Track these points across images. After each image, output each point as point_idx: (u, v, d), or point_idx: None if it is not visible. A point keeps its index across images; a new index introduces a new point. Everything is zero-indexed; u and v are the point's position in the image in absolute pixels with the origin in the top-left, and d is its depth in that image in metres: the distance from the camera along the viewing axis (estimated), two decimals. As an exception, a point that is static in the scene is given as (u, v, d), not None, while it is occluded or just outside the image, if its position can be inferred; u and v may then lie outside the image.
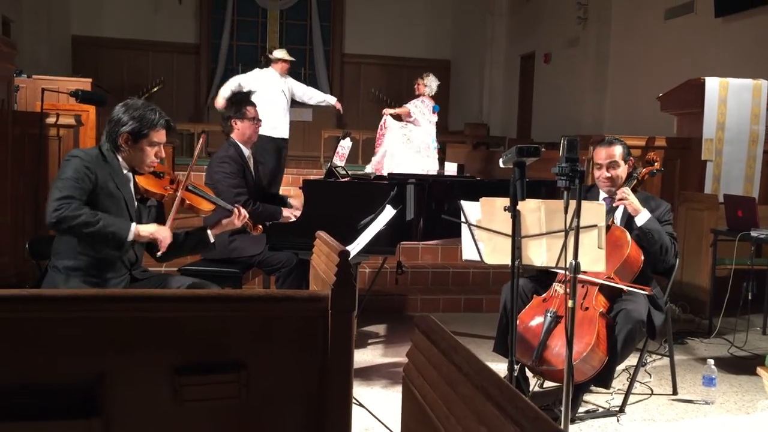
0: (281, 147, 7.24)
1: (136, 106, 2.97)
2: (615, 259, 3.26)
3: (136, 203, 3.05)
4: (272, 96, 7.10)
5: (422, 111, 7.65)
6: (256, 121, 4.36)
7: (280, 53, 7.20)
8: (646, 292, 3.34)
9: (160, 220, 3.13)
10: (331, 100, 7.77)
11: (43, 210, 2.83)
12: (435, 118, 7.82)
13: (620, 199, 3.43)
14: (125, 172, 3.01)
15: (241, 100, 4.45)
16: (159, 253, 3.03)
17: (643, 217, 3.42)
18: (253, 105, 4.42)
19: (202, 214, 3.31)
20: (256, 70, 7.32)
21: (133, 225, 2.93)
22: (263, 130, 7.15)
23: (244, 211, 3.33)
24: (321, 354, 1.63)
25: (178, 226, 3.22)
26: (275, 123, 7.12)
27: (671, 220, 3.60)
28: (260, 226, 3.50)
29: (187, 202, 3.15)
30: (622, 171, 3.57)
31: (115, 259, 2.97)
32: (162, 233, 2.99)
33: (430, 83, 7.70)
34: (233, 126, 4.32)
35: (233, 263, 4.09)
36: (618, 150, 3.55)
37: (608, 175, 3.56)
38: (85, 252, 2.89)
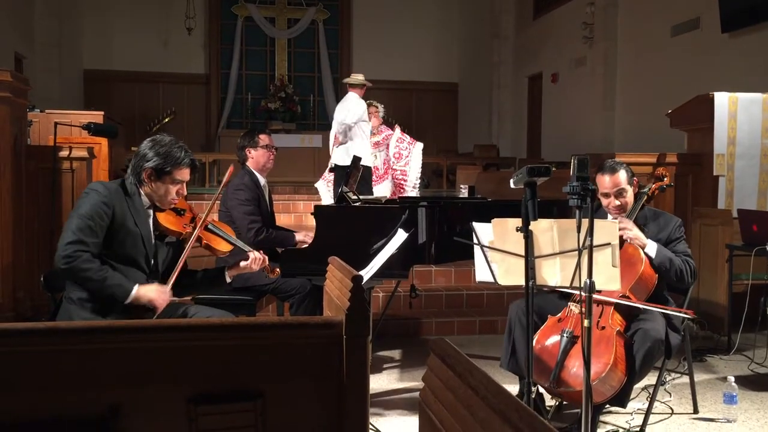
0: (367, 177, 7.31)
1: (163, 143, 2.97)
2: (629, 276, 3.23)
3: (153, 239, 3.04)
4: (361, 123, 7.32)
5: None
6: (269, 148, 4.37)
7: (361, 77, 7.46)
8: (684, 315, 3.28)
9: (177, 258, 3.11)
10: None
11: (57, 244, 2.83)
12: None
13: (622, 232, 3.30)
14: (146, 207, 3.01)
15: (254, 129, 4.49)
16: (154, 318, 2.96)
17: (650, 250, 3.34)
18: (267, 133, 4.45)
19: (219, 254, 3.28)
20: (344, 101, 7.55)
21: (135, 288, 2.86)
22: (336, 160, 7.38)
23: (260, 255, 3.23)
24: (336, 380, 1.62)
25: (193, 263, 3.21)
26: (366, 150, 7.29)
27: (684, 235, 3.52)
28: (278, 270, 3.42)
29: (205, 241, 3.12)
30: (630, 196, 3.49)
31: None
32: (160, 299, 2.92)
33: (382, 110, 7.86)
34: (248, 155, 4.35)
35: (247, 291, 4.09)
36: (623, 176, 3.46)
37: (617, 203, 3.48)
38: None
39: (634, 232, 3.34)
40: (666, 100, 7.82)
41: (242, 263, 3.20)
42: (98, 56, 14.22)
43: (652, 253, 3.33)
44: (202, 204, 7.78)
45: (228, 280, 3.24)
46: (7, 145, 4.72)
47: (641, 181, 3.67)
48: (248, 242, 4.07)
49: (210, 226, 3.18)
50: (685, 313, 3.27)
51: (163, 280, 3.08)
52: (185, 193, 3.04)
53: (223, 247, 3.20)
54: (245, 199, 4.18)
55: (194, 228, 3.08)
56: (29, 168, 5.03)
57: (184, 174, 2.99)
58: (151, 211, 3.03)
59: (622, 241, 3.29)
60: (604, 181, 3.48)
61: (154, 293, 2.91)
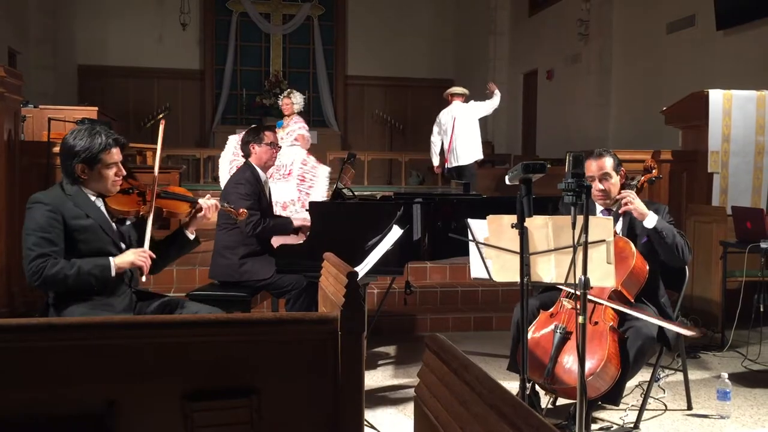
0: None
1: (81, 135, 2.92)
2: (621, 270, 3.22)
3: (114, 226, 3.00)
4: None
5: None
6: (273, 146, 4.38)
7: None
8: (681, 331, 3.30)
9: (143, 236, 3.06)
10: None
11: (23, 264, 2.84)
12: None
13: (625, 204, 3.36)
14: (93, 199, 2.97)
15: (260, 126, 4.51)
16: (143, 278, 3.00)
17: (651, 219, 3.36)
18: (272, 131, 4.46)
19: (183, 216, 3.23)
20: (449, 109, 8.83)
21: (111, 260, 2.87)
22: (468, 160, 8.80)
23: (210, 202, 3.23)
24: (332, 376, 1.62)
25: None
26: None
27: (673, 220, 3.55)
28: (243, 210, 3.44)
29: (165, 209, 3.10)
30: (615, 182, 3.51)
31: (111, 282, 2.95)
32: (139, 258, 2.93)
33: (298, 100, 7.07)
34: (251, 150, 4.37)
35: (242, 287, 4.09)
36: (609, 162, 3.50)
37: (601, 187, 3.49)
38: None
39: (636, 203, 3.36)
40: (661, 97, 7.84)
41: (198, 215, 3.21)
42: (92, 51, 14.15)
43: (653, 222, 3.35)
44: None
45: (191, 236, 3.23)
46: (1, 140, 4.70)
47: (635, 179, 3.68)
48: (247, 235, 4.10)
49: (163, 194, 3.15)
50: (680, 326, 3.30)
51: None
52: (124, 172, 3.00)
53: (184, 208, 3.18)
54: (245, 194, 4.19)
55: (149, 200, 3.04)
56: (23, 163, 5.01)
57: (113, 155, 2.95)
58: (100, 200, 2.99)
59: (618, 216, 3.32)
60: (590, 166, 3.51)
61: (132, 255, 2.93)
